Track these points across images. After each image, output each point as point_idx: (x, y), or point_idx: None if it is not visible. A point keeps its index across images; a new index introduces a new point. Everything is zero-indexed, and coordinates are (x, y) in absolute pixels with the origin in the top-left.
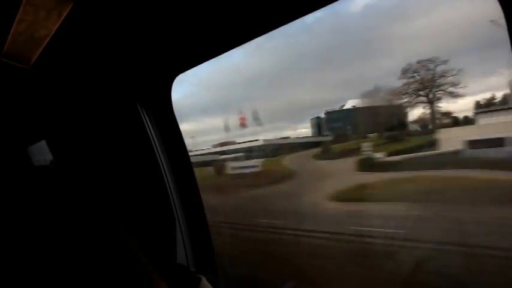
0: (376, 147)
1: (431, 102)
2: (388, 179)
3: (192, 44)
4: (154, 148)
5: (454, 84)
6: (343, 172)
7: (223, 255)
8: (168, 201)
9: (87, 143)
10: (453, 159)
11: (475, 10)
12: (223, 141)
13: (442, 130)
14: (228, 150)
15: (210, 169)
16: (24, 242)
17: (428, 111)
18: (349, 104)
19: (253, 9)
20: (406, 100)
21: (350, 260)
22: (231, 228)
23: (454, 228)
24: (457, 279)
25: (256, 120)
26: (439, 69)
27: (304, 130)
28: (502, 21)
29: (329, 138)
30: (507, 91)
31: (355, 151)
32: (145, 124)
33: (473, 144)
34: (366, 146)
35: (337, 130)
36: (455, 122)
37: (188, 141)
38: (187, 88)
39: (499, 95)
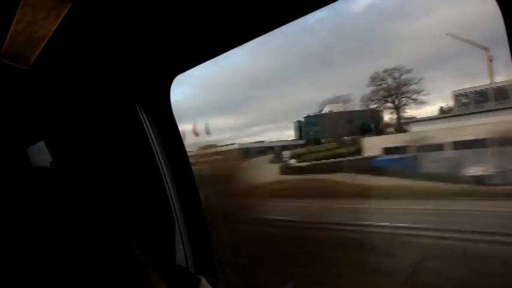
0: (321, 152)
1: (397, 108)
2: (285, 180)
3: (191, 44)
4: (154, 149)
5: (416, 92)
6: (267, 175)
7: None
8: (167, 201)
9: (86, 143)
10: (353, 165)
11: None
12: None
13: (367, 138)
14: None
15: None
16: (23, 242)
17: (394, 116)
18: (327, 109)
19: (252, 9)
20: (375, 106)
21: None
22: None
23: (285, 210)
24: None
25: (208, 132)
26: (404, 77)
27: (291, 133)
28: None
29: (301, 142)
30: (451, 102)
31: (308, 155)
32: (144, 125)
33: (386, 151)
34: (287, 154)
35: (312, 134)
36: (396, 128)
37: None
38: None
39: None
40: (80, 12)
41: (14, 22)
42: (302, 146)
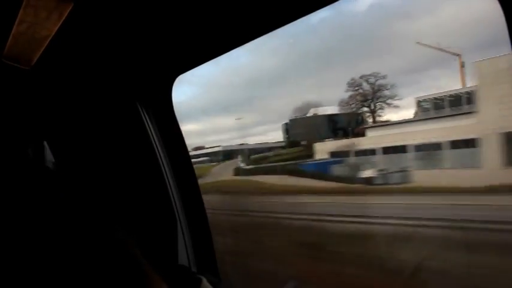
0: (283, 155)
1: (373, 112)
2: (230, 180)
3: (193, 44)
4: (155, 148)
5: (390, 97)
6: (222, 175)
7: None
8: (169, 201)
9: (88, 143)
10: (288, 168)
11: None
12: (197, 146)
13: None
14: (195, 154)
15: None
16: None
17: (370, 119)
18: (311, 112)
19: (254, 9)
20: (353, 110)
21: None
22: None
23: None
24: None
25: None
26: (379, 83)
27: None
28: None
29: (282, 144)
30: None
31: (272, 157)
32: (146, 124)
33: (331, 155)
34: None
35: (292, 137)
36: (354, 133)
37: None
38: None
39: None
40: (82, 12)
41: (16, 23)
42: (282, 148)
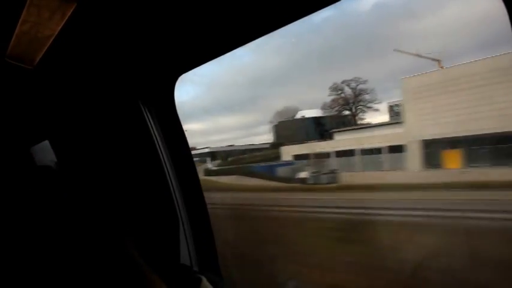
0: (256, 157)
1: (354, 116)
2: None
3: (195, 43)
4: (158, 148)
5: (370, 101)
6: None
7: None
8: (171, 200)
9: (90, 142)
10: (246, 170)
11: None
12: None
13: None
14: None
15: None
16: (26, 241)
17: (351, 122)
18: (299, 115)
19: (256, 8)
20: (336, 113)
21: None
22: None
23: None
24: None
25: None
26: (360, 87)
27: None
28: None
29: (267, 145)
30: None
31: (247, 159)
32: (149, 124)
33: (295, 157)
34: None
35: (280, 138)
36: (322, 137)
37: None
38: None
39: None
40: (84, 12)
41: (19, 22)
42: (266, 149)
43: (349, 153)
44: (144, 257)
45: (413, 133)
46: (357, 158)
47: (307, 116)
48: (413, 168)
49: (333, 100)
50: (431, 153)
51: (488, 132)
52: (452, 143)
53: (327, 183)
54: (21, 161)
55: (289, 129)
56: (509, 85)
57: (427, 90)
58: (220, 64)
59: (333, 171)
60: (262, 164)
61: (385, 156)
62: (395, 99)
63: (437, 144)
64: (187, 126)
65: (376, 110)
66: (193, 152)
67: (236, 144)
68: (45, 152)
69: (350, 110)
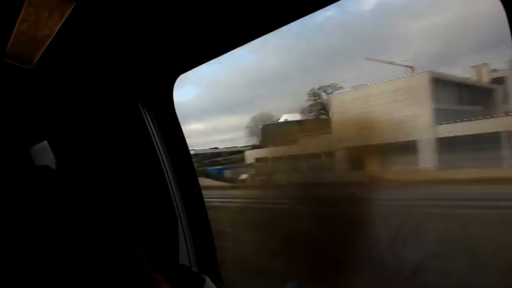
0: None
1: (329, 120)
2: None
3: (194, 43)
4: (156, 148)
5: None
6: None
7: None
8: (170, 201)
9: (89, 142)
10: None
11: None
12: None
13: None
14: None
15: None
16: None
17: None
18: (283, 118)
19: (257, 7)
20: (313, 117)
21: None
22: None
23: None
24: None
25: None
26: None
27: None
28: None
29: (246, 148)
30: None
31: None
32: (147, 124)
33: (255, 160)
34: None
35: (257, 142)
36: (286, 141)
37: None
38: None
39: None
40: (83, 12)
41: (18, 22)
42: (240, 153)
43: (297, 158)
44: (146, 257)
45: (341, 141)
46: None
47: (290, 119)
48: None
49: (311, 105)
50: (356, 158)
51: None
52: (370, 149)
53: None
54: (20, 161)
55: (272, 132)
56: (405, 103)
57: (349, 105)
58: (218, 64)
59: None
60: (219, 167)
61: (321, 161)
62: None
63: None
64: (186, 127)
65: None
66: None
67: (221, 147)
68: (44, 153)
69: (326, 114)
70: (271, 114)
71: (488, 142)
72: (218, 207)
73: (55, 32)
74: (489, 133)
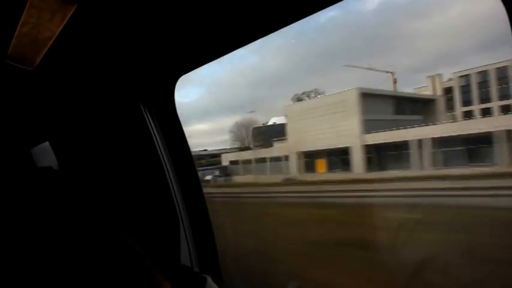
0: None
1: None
2: None
3: (196, 44)
4: (158, 149)
5: None
6: None
7: None
8: (171, 201)
9: (90, 143)
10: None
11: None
12: None
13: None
14: None
15: None
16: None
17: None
18: (271, 121)
19: (258, 8)
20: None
21: None
22: None
23: None
24: None
25: None
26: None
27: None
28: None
29: (234, 149)
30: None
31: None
32: (149, 125)
33: (230, 162)
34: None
35: (246, 144)
36: (263, 144)
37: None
38: None
39: None
40: (85, 13)
41: (19, 24)
42: (218, 156)
43: (262, 160)
44: (148, 257)
45: (292, 146)
46: (266, 165)
47: (278, 122)
48: (293, 172)
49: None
50: (307, 161)
51: (333, 147)
52: (319, 154)
53: (219, 183)
54: (21, 162)
55: (260, 134)
56: (343, 115)
57: (300, 115)
58: (219, 64)
59: (228, 175)
60: (199, 168)
61: (281, 164)
62: None
63: (311, 155)
64: (187, 128)
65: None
66: None
67: (210, 148)
68: (45, 153)
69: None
70: (257, 118)
71: (405, 149)
72: None
73: (57, 33)
74: (406, 141)
